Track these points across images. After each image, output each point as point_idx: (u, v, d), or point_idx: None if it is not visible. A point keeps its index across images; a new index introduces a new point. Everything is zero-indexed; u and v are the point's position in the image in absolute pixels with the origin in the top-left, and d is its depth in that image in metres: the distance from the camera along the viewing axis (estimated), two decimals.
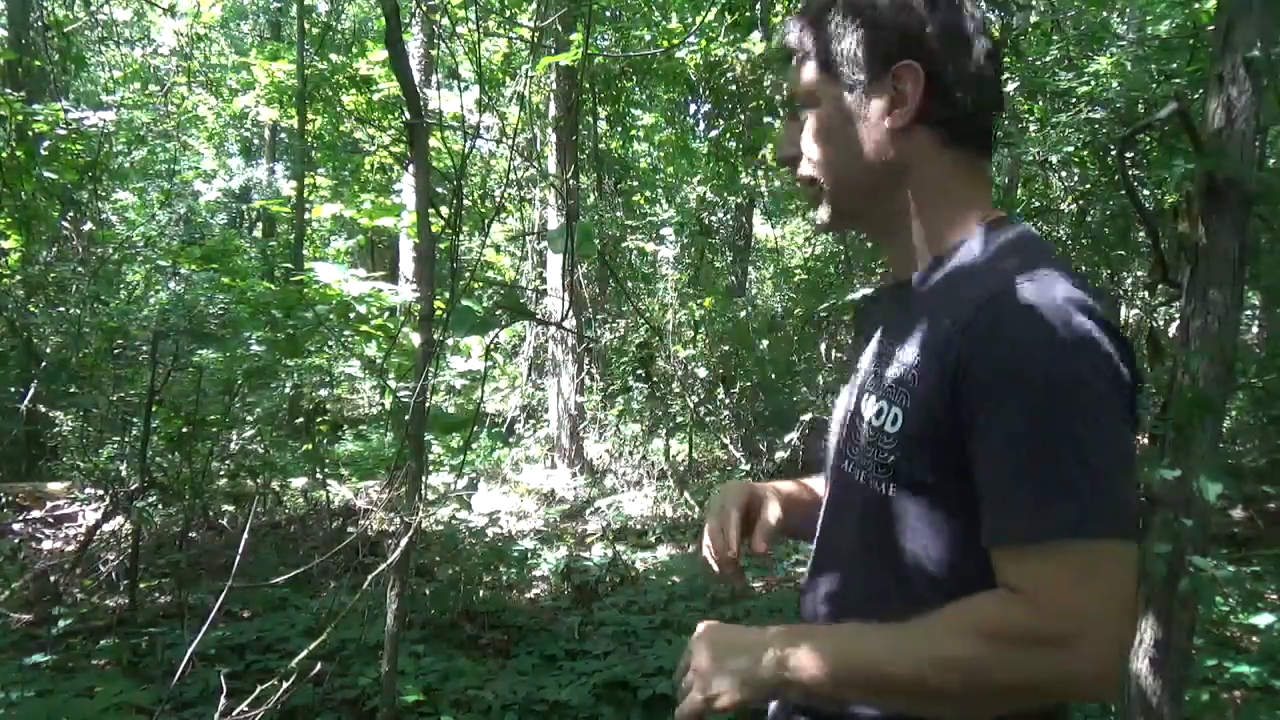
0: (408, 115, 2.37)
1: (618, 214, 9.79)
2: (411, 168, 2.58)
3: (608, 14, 8.73)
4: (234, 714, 2.13)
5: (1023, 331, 0.87)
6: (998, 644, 0.86)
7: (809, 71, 1.07)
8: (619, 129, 9.85)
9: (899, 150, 1.02)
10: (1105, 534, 0.85)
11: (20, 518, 5.49)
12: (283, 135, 13.79)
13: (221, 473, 5.73)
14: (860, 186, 1.06)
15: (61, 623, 4.06)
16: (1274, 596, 4.51)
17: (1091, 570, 0.85)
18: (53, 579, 4.58)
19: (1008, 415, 0.87)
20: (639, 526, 6.87)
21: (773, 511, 1.19)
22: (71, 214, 6.51)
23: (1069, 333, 0.86)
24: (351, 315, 4.88)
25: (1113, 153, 5.52)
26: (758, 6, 8.62)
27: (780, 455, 7.99)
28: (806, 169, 1.09)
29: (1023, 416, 0.86)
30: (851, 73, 1.03)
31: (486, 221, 8.06)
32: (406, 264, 8.94)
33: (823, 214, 1.10)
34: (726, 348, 8.80)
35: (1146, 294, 6.70)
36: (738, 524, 1.19)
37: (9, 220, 5.72)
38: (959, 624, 0.89)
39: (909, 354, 0.97)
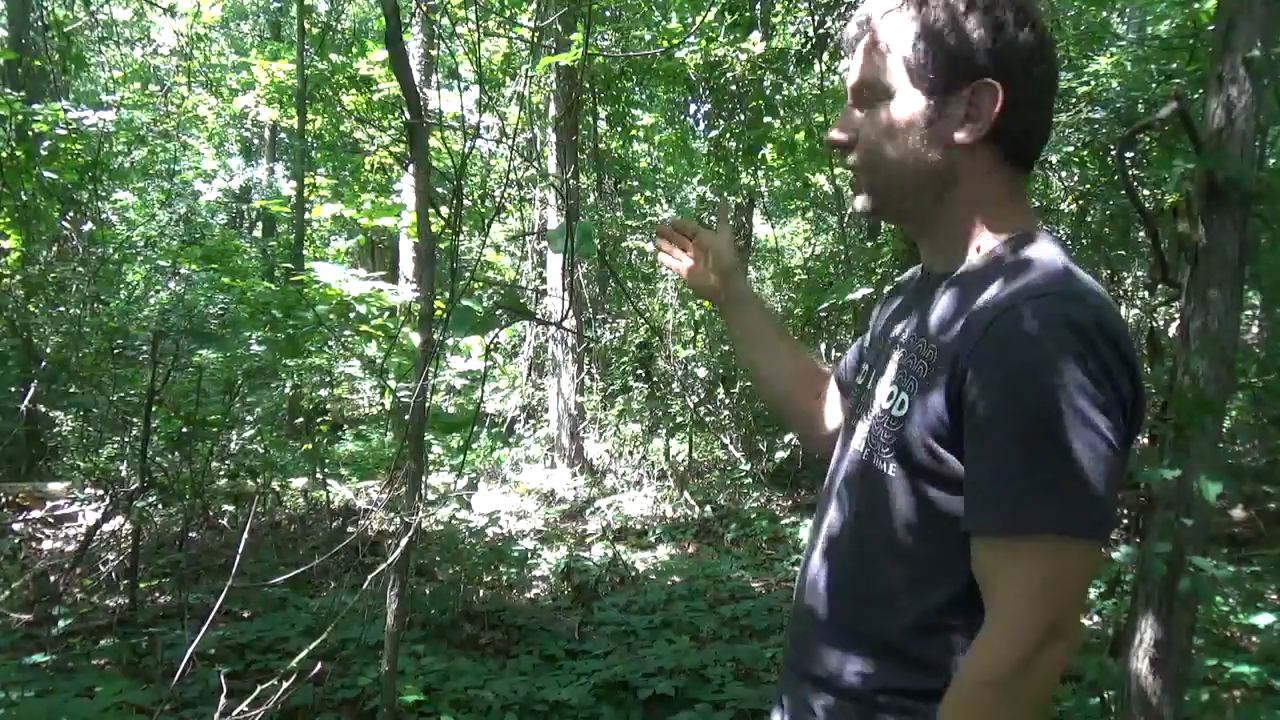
0: (408, 115, 2.36)
1: (618, 214, 9.79)
2: (411, 168, 2.58)
3: (608, 14, 8.72)
4: (234, 714, 2.13)
5: (1028, 343, 0.92)
6: (1013, 683, 0.92)
7: (888, 64, 1.06)
8: (619, 129, 9.84)
9: (958, 162, 1.05)
10: (1078, 532, 0.92)
11: (20, 518, 5.49)
12: (283, 135, 13.79)
13: (221, 473, 5.73)
14: (911, 187, 1.08)
15: (61, 623, 4.06)
16: (1274, 596, 4.51)
17: (1055, 566, 0.92)
18: (53, 579, 4.58)
19: (1004, 418, 0.93)
20: (639, 526, 6.87)
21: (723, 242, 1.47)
22: (71, 214, 6.51)
23: (1070, 347, 0.91)
24: (351, 315, 4.88)
25: (1113, 153, 5.52)
26: (758, 6, 8.62)
27: (780, 455, 8.00)
28: (860, 158, 1.10)
29: (1017, 421, 0.92)
30: (934, 78, 1.04)
31: (486, 221, 8.05)
32: (406, 264, 8.94)
33: (863, 203, 1.13)
34: (726, 348, 8.80)
35: (1146, 294, 6.70)
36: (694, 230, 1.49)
37: (9, 220, 5.72)
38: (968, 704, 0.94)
39: (923, 346, 1.05)
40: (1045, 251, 1.02)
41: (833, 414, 1.41)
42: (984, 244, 1.07)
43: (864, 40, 1.09)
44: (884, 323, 1.23)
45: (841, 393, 1.39)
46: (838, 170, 8.62)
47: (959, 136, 1.04)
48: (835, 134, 1.12)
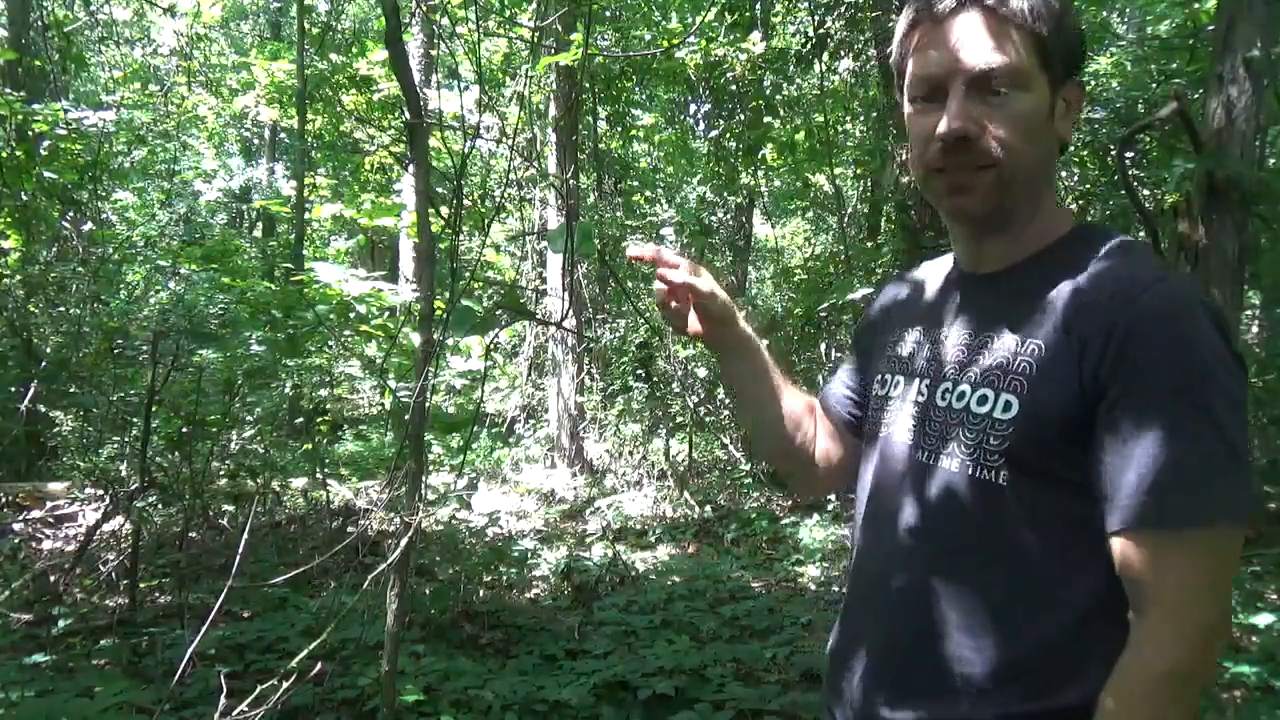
0: (408, 115, 2.36)
1: (618, 214, 9.80)
2: (411, 168, 2.58)
3: (608, 14, 8.72)
4: (234, 714, 2.13)
5: (1180, 324, 0.89)
6: (1177, 683, 0.88)
7: (1025, 51, 0.97)
8: (619, 129, 9.85)
9: (1053, 157, 1.04)
10: (1240, 521, 0.89)
11: (20, 518, 5.49)
12: (283, 135, 13.80)
13: (221, 473, 5.73)
14: (1031, 185, 1.01)
15: (61, 623, 4.06)
16: (1274, 596, 4.51)
17: (1223, 556, 0.89)
18: (53, 579, 4.57)
19: (1165, 402, 0.88)
20: (639, 526, 6.87)
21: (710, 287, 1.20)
22: (71, 214, 6.51)
23: (1211, 324, 0.90)
24: (351, 315, 4.88)
25: (1113, 153, 5.51)
26: (758, 6, 8.63)
27: None
28: (989, 154, 0.98)
29: (1182, 407, 0.87)
30: (1058, 70, 1.00)
31: (486, 221, 8.05)
32: (406, 264, 8.96)
33: (980, 206, 1.01)
34: None
35: None
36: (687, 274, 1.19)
37: (9, 220, 5.72)
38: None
39: (1020, 341, 0.98)
40: (1119, 238, 1.00)
41: (824, 453, 1.33)
42: (1053, 235, 1.04)
43: (981, 22, 0.97)
44: (910, 331, 1.15)
45: (834, 424, 1.31)
46: (838, 170, 8.62)
47: (1063, 131, 1.02)
48: (961, 124, 0.97)
